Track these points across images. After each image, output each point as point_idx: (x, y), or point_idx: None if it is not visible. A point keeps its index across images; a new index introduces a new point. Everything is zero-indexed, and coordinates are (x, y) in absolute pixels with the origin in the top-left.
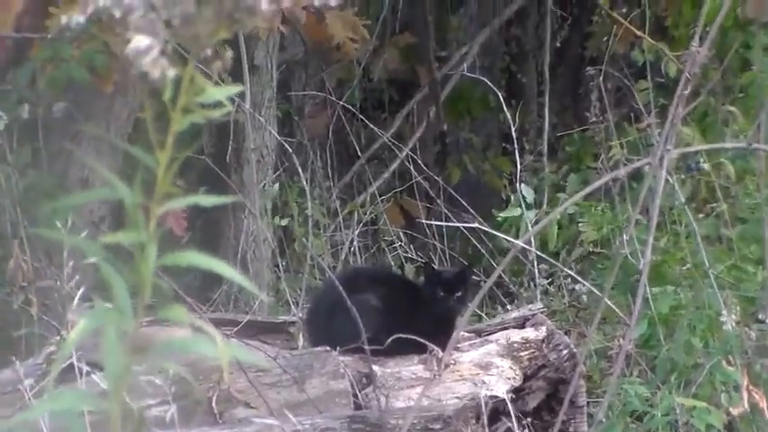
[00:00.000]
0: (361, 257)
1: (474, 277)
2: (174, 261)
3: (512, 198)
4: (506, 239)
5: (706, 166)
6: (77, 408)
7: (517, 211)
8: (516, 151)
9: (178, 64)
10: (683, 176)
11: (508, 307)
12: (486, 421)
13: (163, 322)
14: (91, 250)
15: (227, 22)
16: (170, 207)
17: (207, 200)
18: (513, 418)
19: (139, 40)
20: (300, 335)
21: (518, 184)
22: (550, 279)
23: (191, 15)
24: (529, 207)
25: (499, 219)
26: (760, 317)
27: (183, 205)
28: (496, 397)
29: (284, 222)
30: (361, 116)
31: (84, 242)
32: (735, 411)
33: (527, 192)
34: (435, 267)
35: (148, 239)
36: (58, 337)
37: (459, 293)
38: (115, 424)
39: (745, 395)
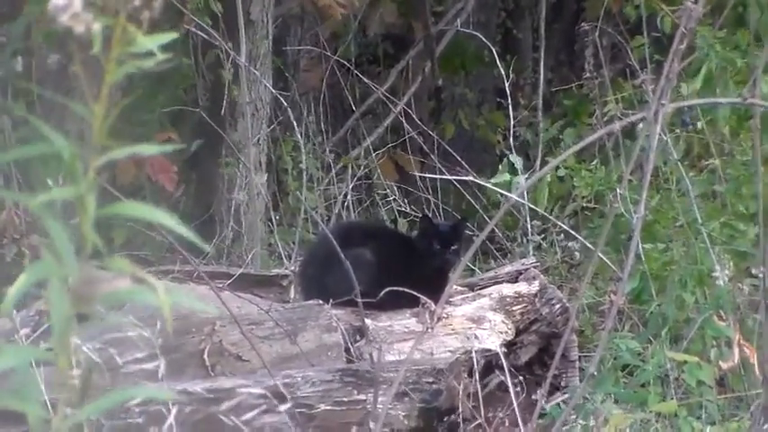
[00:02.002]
0: (354, 211)
1: (467, 231)
2: (113, 211)
3: (505, 155)
4: (500, 192)
5: (700, 124)
6: (24, 361)
7: (507, 177)
8: (510, 106)
9: (108, 15)
10: (677, 131)
11: (501, 262)
12: (478, 375)
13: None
14: (35, 207)
15: None
16: (108, 159)
17: (148, 149)
18: (507, 372)
19: None
20: (293, 288)
21: (510, 140)
22: (543, 235)
23: None
24: (517, 174)
25: (492, 182)
26: (753, 272)
27: (123, 156)
28: (489, 351)
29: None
30: (355, 71)
31: (25, 197)
32: (725, 366)
33: (515, 159)
34: (432, 220)
35: (87, 190)
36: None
37: (455, 246)
38: (63, 374)
39: (737, 350)
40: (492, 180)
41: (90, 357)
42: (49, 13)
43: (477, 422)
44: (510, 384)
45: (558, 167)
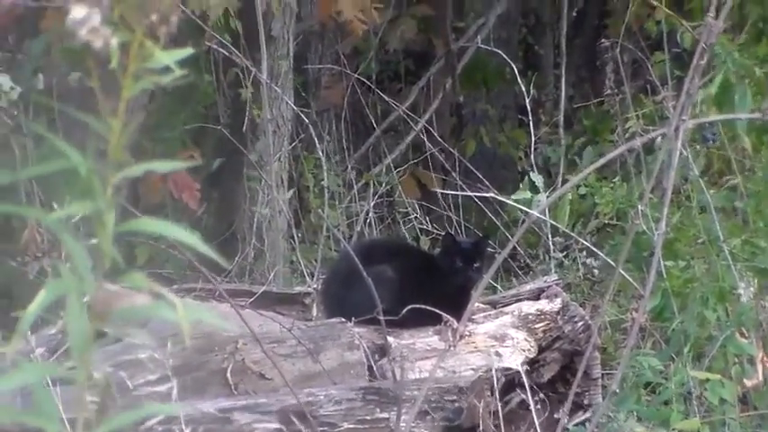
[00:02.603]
0: (376, 229)
1: (489, 249)
2: (132, 227)
3: (526, 173)
4: (520, 209)
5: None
6: (41, 379)
7: (528, 194)
8: (531, 123)
9: (126, 30)
10: (698, 147)
11: (523, 279)
12: (497, 394)
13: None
14: (51, 223)
15: None
16: (125, 175)
17: (163, 166)
18: (528, 390)
19: (77, 11)
20: (315, 306)
21: (531, 157)
22: (565, 252)
23: None
24: (538, 192)
25: (512, 198)
26: None
27: (140, 172)
28: (511, 369)
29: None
30: (376, 88)
31: (42, 214)
32: (749, 383)
33: (536, 178)
34: (456, 238)
35: (106, 207)
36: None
37: (477, 264)
38: (81, 391)
39: (760, 367)
40: (512, 197)
41: (108, 375)
42: (68, 28)
43: None
44: (531, 402)
45: (579, 185)
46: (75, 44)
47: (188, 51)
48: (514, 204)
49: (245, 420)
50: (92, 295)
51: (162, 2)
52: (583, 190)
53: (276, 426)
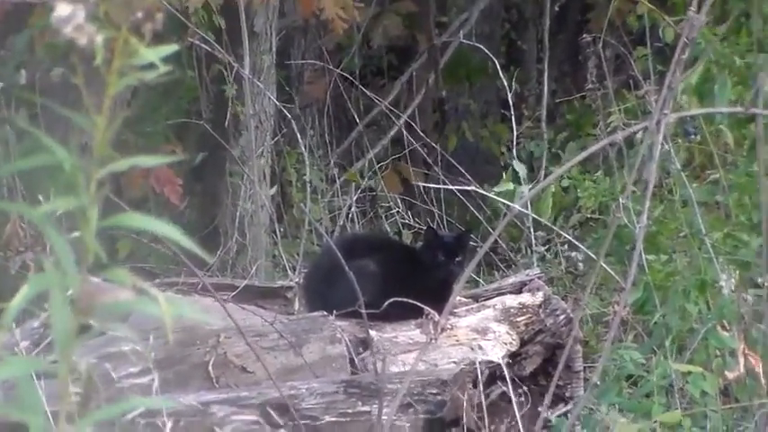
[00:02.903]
0: (358, 223)
1: (472, 243)
2: (115, 223)
3: (508, 167)
4: (502, 202)
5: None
6: (25, 372)
7: (510, 186)
8: (513, 117)
9: (110, 27)
10: (679, 141)
11: (505, 273)
12: (482, 386)
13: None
14: (36, 216)
15: None
16: (110, 170)
17: (147, 161)
18: (509, 383)
19: (62, 8)
20: (297, 300)
21: (514, 151)
22: (547, 246)
23: None
24: (522, 182)
25: (494, 191)
26: (759, 281)
27: (125, 167)
28: (493, 362)
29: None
30: (359, 83)
31: (25, 208)
32: (731, 375)
33: (519, 167)
34: (438, 232)
35: (89, 202)
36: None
37: (459, 258)
38: (64, 384)
39: (742, 360)
40: (495, 189)
41: (91, 369)
42: (53, 24)
43: None
44: (513, 395)
45: (561, 178)
46: (58, 40)
47: (173, 48)
48: (496, 198)
49: (225, 413)
50: (75, 289)
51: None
52: (566, 182)
53: (254, 418)
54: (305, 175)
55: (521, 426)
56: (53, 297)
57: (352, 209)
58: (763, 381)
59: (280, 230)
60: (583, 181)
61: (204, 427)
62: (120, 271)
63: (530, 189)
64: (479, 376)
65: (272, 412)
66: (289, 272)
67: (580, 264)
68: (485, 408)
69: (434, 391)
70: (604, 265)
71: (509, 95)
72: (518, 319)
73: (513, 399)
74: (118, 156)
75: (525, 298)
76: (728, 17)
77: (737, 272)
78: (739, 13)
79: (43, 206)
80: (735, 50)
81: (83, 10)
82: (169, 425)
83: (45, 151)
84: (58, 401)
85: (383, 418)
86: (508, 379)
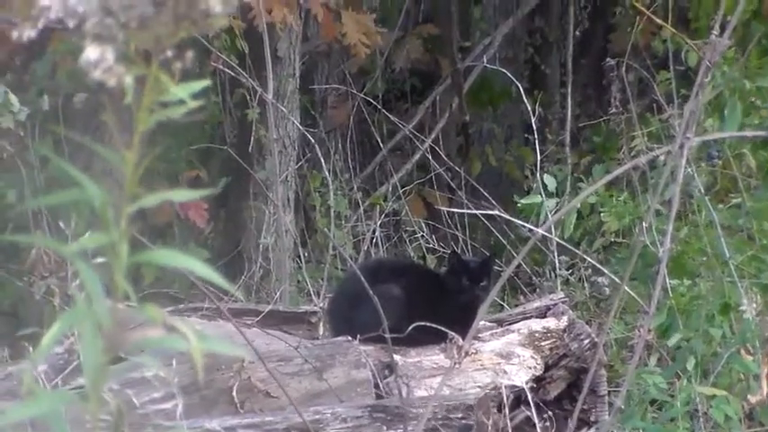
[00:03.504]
0: (382, 248)
1: (496, 267)
2: (146, 259)
3: (533, 188)
4: (525, 226)
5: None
6: (56, 408)
7: (538, 199)
8: (537, 141)
9: (141, 64)
10: (703, 165)
11: (528, 297)
12: (507, 411)
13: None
14: (64, 251)
15: (185, 23)
16: (139, 206)
17: (179, 195)
18: (533, 407)
19: (90, 52)
20: (322, 325)
21: (538, 175)
22: (571, 270)
23: (149, 17)
24: (550, 195)
25: (520, 205)
26: None
27: (155, 202)
28: (517, 386)
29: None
30: (382, 108)
31: (55, 244)
32: (753, 400)
33: (549, 180)
34: (462, 257)
35: (119, 238)
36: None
37: (484, 282)
38: (94, 419)
39: (765, 383)
40: (522, 201)
41: (121, 401)
42: (81, 68)
43: None
44: (536, 419)
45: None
46: (80, 66)
47: (203, 84)
48: (519, 223)
49: None
50: (106, 323)
51: (175, 37)
52: (593, 199)
53: None
54: (329, 200)
55: None
56: (84, 331)
57: (377, 233)
58: None
59: (304, 255)
60: (609, 197)
61: None
62: (151, 306)
63: (553, 213)
64: (504, 400)
65: None
66: (313, 297)
67: (605, 288)
68: None
69: (459, 416)
70: (628, 289)
71: (532, 119)
72: (543, 344)
73: (537, 423)
74: (148, 189)
75: (550, 322)
76: (750, 41)
77: (759, 295)
78: (762, 36)
79: (75, 244)
80: (750, 74)
81: (112, 52)
82: None
83: (71, 182)
84: (85, 430)
85: None
86: (532, 403)
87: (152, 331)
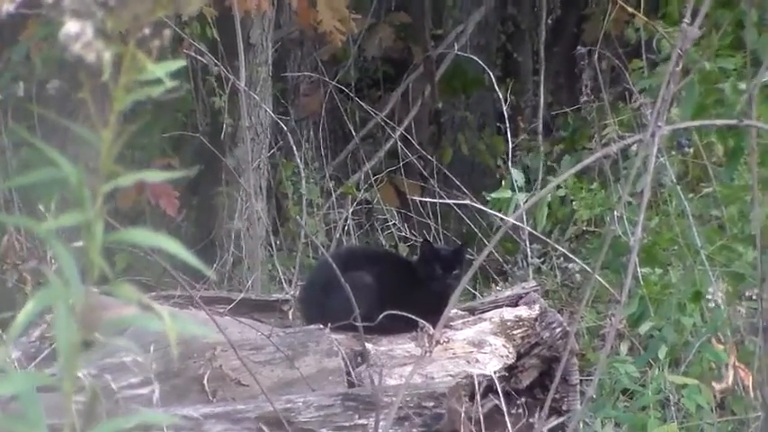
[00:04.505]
0: (354, 236)
1: (468, 256)
2: (120, 238)
3: (505, 179)
4: (497, 216)
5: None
6: (27, 387)
7: (508, 194)
8: (509, 130)
9: (118, 43)
10: (674, 153)
11: (500, 286)
12: (479, 399)
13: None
14: (40, 231)
15: (163, 1)
16: (115, 185)
17: (154, 175)
18: (501, 396)
19: (70, 26)
20: (293, 313)
21: (510, 164)
22: (543, 258)
23: None
24: (519, 190)
25: (489, 200)
26: (747, 294)
27: (130, 182)
28: (488, 375)
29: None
30: (355, 96)
31: (30, 222)
32: (718, 387)
33: (517, 175)
34: (434, 245)
35: (95, 218)
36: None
37: (456, 271)
38: (68, 400)
39: (731, 372)
40: (492, 195)
41: (94, 384)
42: (61, 42)
43: None
44: (505, 408)
45: (558, 188)
46: (55, 52)
47: (180, 63)
48: (492, 212)
49: (220, 427)
50: (79, 304)
51: (153, 15)
52: (562, 192)
53: None
54: (301, 188)
55: None
56: (57, 311)
57: (348, 222)
58: (751, 393)
59: (276, 243)
60: (579, 190)
61: None
62: (125, 286)
63: (525, 201)
64: (476, 389)
65: (264, 428)
66: (285, 285)
67: (576, 275)
68: (482, 420)
69: (431, 404)
70: (599, 278)
71: (505, 108)
72: (514, 332)
73: (506, 412)
74: (121, 170)
75: (522, 311)
76: (719, 28)
77: (726, 283)
78: (733, 24)
79: (48, 221)
80: (711, 56)
81: (91, 27)
82: None
83: (45, 164)
84: (62, 415)
85: (380, 431)
86: (500, 392)
87: (125, 309)
